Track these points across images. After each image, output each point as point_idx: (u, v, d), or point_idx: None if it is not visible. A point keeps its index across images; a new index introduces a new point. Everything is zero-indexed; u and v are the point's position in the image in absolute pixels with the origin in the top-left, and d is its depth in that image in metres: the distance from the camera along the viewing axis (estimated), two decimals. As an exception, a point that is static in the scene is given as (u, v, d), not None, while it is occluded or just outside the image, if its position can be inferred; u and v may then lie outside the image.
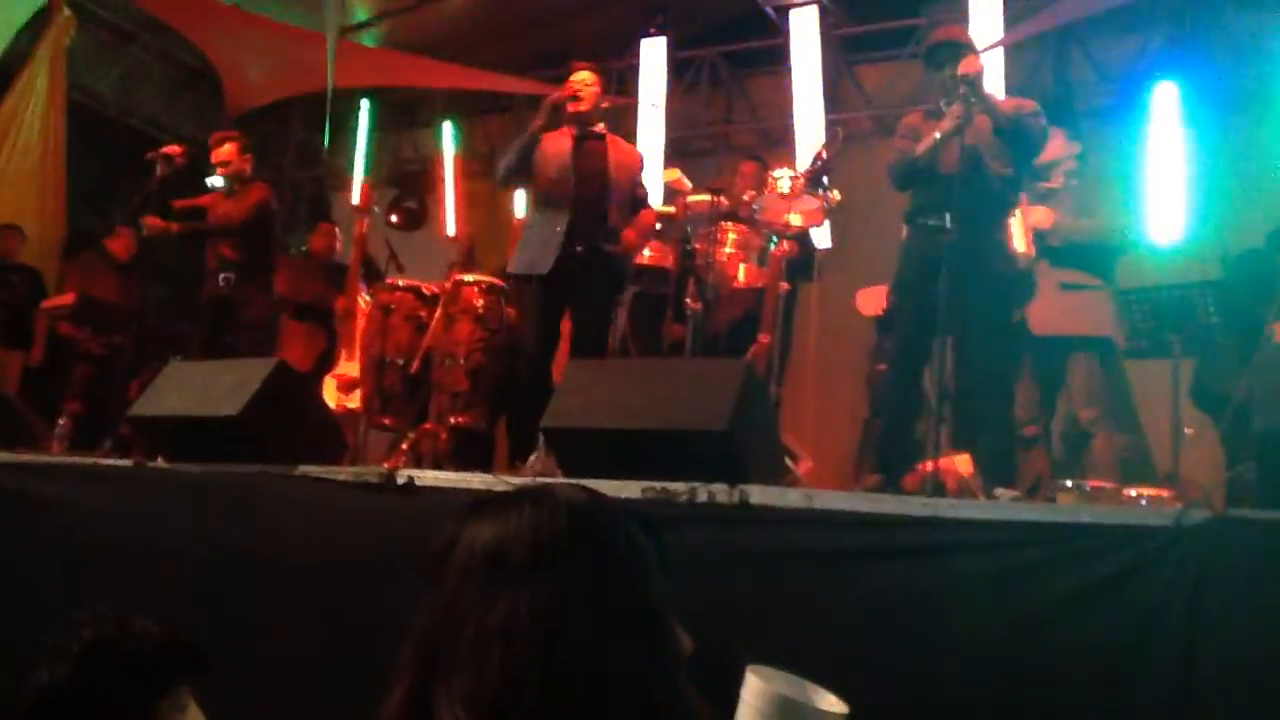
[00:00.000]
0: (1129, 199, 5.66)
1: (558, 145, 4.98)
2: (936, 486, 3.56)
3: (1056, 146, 4.78)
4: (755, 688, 1.41)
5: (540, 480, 1.18)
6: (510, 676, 1.11)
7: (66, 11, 8.77)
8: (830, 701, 1.49)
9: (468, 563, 1.18)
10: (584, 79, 5.04)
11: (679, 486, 3.08)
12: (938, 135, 4.15)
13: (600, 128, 5.09)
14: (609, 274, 4.97)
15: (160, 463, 4.24)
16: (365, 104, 10.02)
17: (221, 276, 6.05)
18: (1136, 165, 6.48)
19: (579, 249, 4.79)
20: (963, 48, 4.29)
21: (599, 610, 1.15)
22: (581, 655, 1.12)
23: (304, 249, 8.11)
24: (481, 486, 3.52)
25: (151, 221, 5.95)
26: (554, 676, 1.11)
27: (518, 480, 3.43)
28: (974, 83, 4.10)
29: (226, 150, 6.18)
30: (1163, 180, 6.70)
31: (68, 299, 7.28)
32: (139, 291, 7.49)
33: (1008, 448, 4.20)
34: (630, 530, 1.24)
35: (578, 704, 1.11)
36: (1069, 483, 3.75)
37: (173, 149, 5.95)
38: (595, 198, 4.90)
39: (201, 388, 4.22)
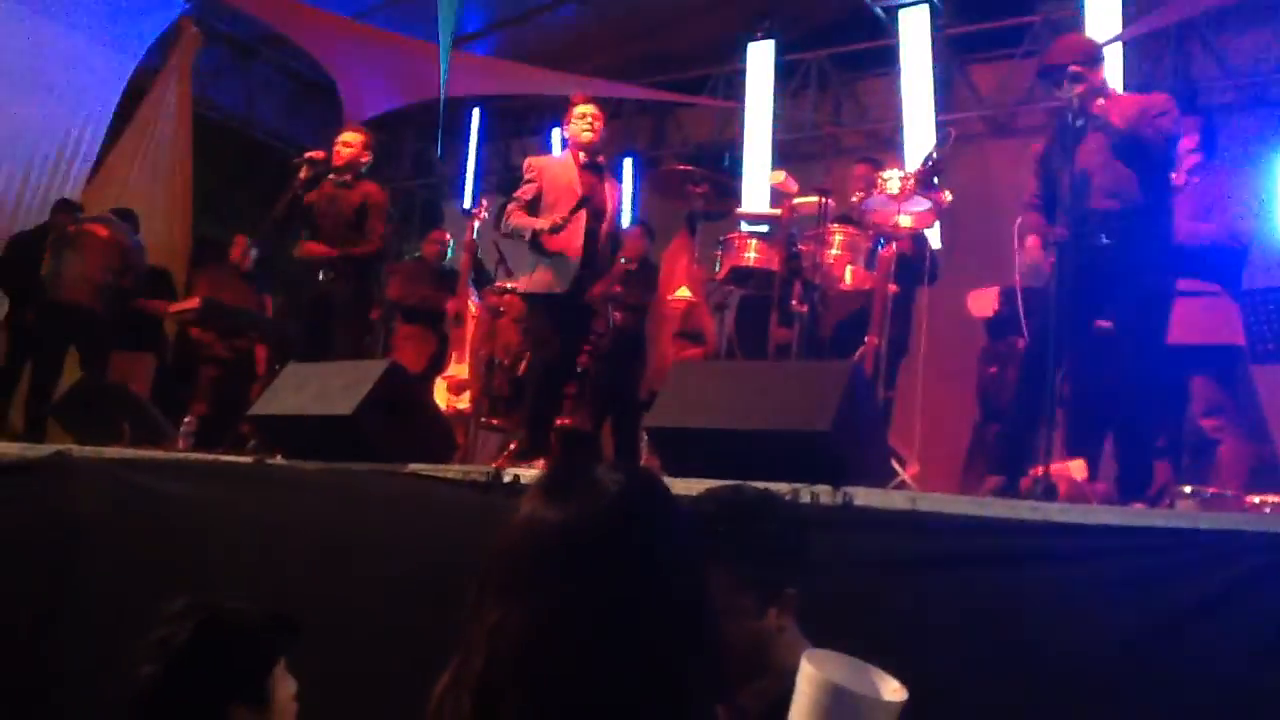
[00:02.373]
0: (1253, 199, 5.43)
1: (564, 177, 5.13)
2: (1048, 491, 3.47)
3: (1188, 143, 4.63)
4: (809, 674, 1.38)
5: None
6: (530, 667, 1.12)
7: (194, 28, 9.13)
8: (891, 689, 1.45)
9: (506, 548, 1.20)
10: (590, 111, 5.22)
11: (782, 487, 3.06)
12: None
13: (600, 159, 5.29)
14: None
15: (278, 459, 4.37)
16: (476, 113, 10.20)
17: (321, 272, 5.93)
18: (1263, 164, 6.23)
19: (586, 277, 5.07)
20: (1069, 73, 4.12)
21: (631, 606, 1.14)
22: (609, 649, 1.12)
23: (416, 254, 8.29)
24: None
25: (312, 248, 5.91)
26: (580, 667, 1.11)
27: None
28: (1083, 106, 3.97)
29: (351, 138, 6.07)
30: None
31: (193, 303, 7.55)
32: (257, 297, 7.74)
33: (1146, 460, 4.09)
34: (677, 528, 1.23)
35: (603, 696, 1.10)
36: (1188, 489, 3.62)
37: (316, 153, 5.99)
38: (595, 229, 5.11)
39: (317, 388, 4.34)
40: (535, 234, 5.01)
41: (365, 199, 5.94)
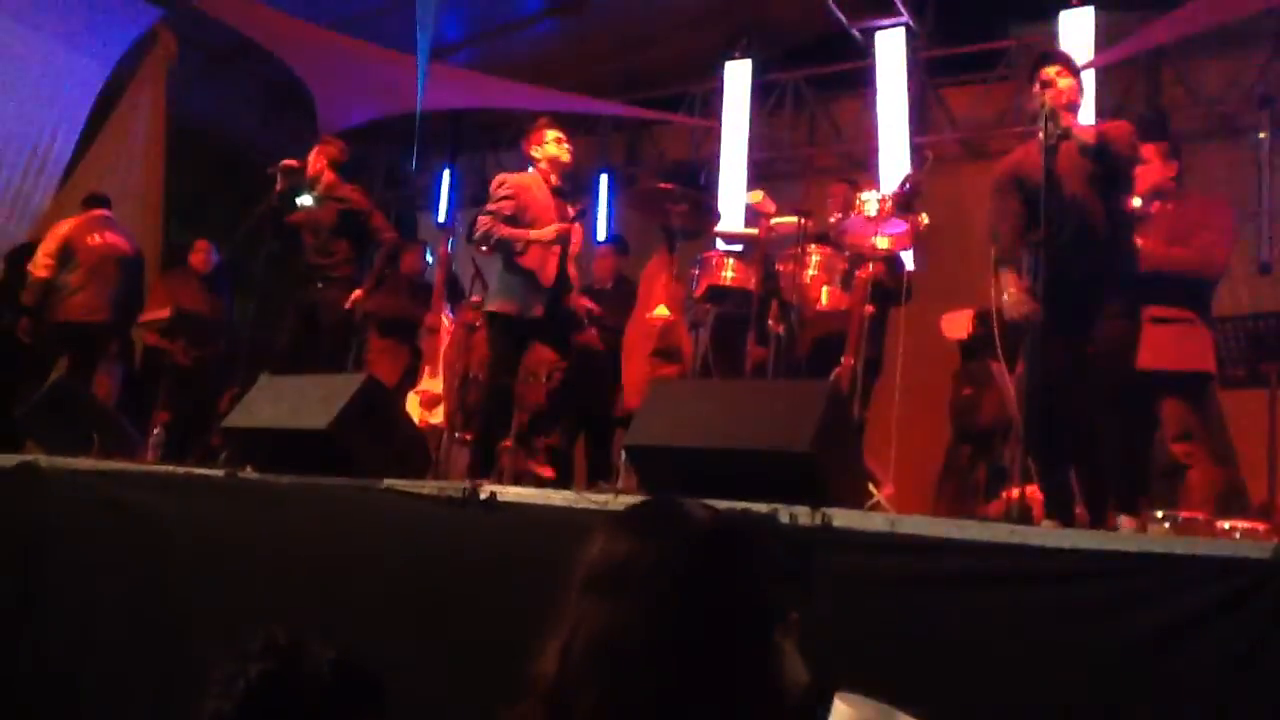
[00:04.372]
0: (1225, 226, 5.49)
1: (542, 197, 5.11)
2: (1023, 514, 3.49)
3: (1154, 170, 4.67)
4: (843, 715, 1.39)
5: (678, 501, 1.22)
6: (611, 688, 1.12)
7: (168, 34, 9.07)
8: None
9: (594, 570, 1.21)
10: (562, 134, 5.23)
11: (760, 508, 3.07)
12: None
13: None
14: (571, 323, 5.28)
15: (250, 473, 4.34)
16: (452, 125, 10.19)
17: (313, 282, 6.09)
18: (1233, 189, 6.32)
19: (560, 296, 5.05)
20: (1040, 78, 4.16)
21: (708, 634, 1.16)
22: (684, 676, 1.13)
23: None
24: (561, 503, 3.54)
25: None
26: (656, 693, 1.12)
27: (599, 497, 3.45)
28: (1054, 113, 4.00)
29: (313, 156, 6.21)
30: (1263, 204, 6.54)
31: (164, 312, 7.49)
32: (222, 304, 7.70)
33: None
34: (760, 564, 1.26)
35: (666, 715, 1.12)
36: (1160, 514, 3.64)
37: (290, 162, 6.02)
38: (565, 254, 5.10)
39: (292, 401, 4.31)
40: (525, 245, 4.96)
41: (341, 202, 6.11)
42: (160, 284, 7.97)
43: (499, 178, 5.27)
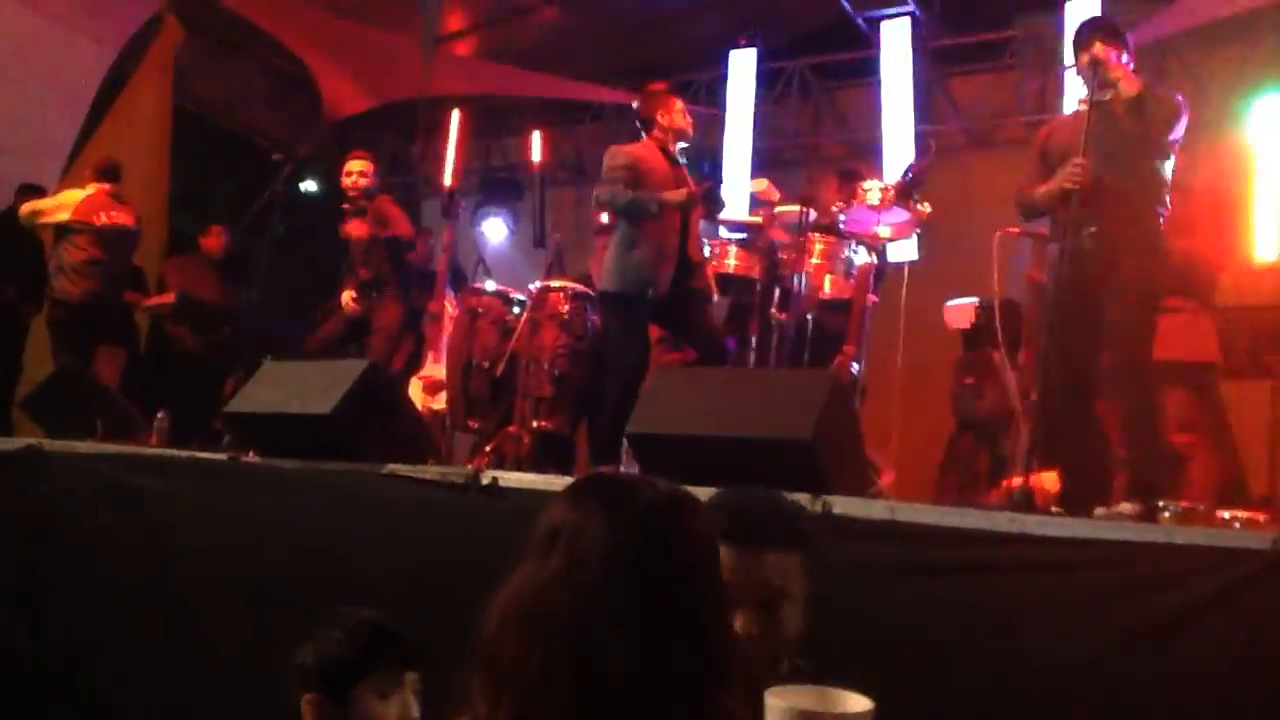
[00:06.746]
0: (1229, 215, 5.50)
1: (661, 167, 4.91)
2: (1024, 502, 3.50)
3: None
4: (774, 708, 1.39)
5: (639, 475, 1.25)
6: (529, 643, 1.17)
7: (174, 20, 9.06)
8: (855, 701, 1.47)
9: (531, 540, 1.26)
10: (683, 106, 5.06)
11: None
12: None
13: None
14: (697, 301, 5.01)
15: (252, 458, 4.35)
16: (455, 112, 10.16)
17: (355, 299, 6.21)
18: (1237, 181, 6.30)
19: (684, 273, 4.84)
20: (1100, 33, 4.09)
21: (647, 609, 1.19)
22: (620, 650, 1.16)
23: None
24: (563, 489, 3.54)
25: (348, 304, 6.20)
26: (586, 663, 1.15)
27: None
28: (1103, 65, 3.92)
29: (362, 166, 6.32)
30: (1267, 195, 6.51)
31: (169, 298, 7.50)
32: (235, 291, 7.70)
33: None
34: (708, 542, 1.29)
35: (610, 694, 1.15)
36: (1160, 503, 3.65)
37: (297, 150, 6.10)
38: (689, 224, 4.90)
39: (295, 386, 4.32)
40: (659, 207, 4.70)
41: (384, 213, 6.27)
42: (171, 270, 7.97)
43: (611, 150, 5.02)
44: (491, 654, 1.21)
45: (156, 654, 4.07)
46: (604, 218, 5.53)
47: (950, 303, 6.11)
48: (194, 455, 4.58)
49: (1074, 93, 4.62)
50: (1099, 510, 3.45)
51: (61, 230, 6.71)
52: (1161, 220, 3.94)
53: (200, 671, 3.92)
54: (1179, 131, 3.97)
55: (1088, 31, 4.09)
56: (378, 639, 2.31)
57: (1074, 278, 3.86)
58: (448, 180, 9.87)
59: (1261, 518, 3.52)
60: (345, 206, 6.31)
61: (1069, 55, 6.39)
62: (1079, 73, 4.10)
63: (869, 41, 8.25)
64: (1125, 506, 3.45)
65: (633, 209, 4.76)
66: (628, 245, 4.80)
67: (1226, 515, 3.65)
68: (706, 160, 8.87)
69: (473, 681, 1.23)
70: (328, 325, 6.35)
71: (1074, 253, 3.85)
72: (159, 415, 5.43)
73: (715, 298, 5.29)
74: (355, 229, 6.27)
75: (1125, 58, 4.01)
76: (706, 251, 5.19)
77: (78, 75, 8.73)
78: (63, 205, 6.77)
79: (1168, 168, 3.99)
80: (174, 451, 4.77)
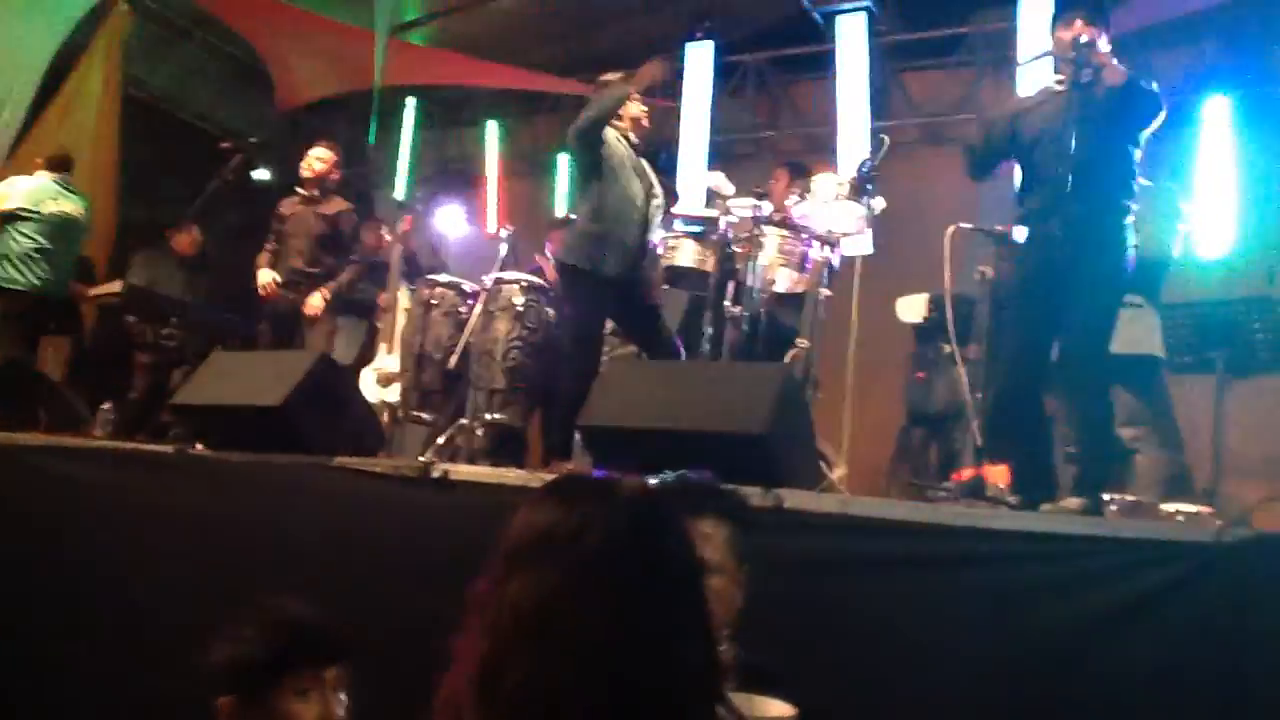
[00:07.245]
0: (1176, 213, 5.56)
1: (625, 153, 4.94)
2: (975, 495, 3.53)
3: None
4: None
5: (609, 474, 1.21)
6: (540, 659, 1.12)
7: (123, 5, 8.89)
8: (776, 708, 1.47)
9: (517, 543, 1.19)
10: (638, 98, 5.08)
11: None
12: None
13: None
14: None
15: (200, 450, 4.29)
16: (411, 102, 10.08)
17: (292, 288, 6.10)
18: (1183, 179, 6.39)
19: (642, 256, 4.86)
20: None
21: (661, 611, 1.16)
22: (607, 654, 1.12)
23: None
24: (516, 482, 3.53)
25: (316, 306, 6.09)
26: (581, 664, 1.11)
27: (553, 477, 3.44)
28: (1089, 46, 3.78)
29: (324, 154, 6.28)
30: (1212, 194, 6.62)
31: (114, 286, 7.37)
32: (203, 286, 7.59)
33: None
34: (684, 543, 1.25)
35: (597, 700, 1.11)
36: (1107, 497, 3.70)
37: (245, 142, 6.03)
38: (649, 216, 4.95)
39: (244, 378, 4.27)
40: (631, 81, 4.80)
41: (339, 216, 6.26)
42: (135, 263, 7.80)
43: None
44: (488, 678, 1.13)
45: (100, 650, 4.01)
46: (559, 213, 5.51)
47: (903, 298, 6.14)
48: (139, 447, 4.52)
49: (1027, 89, 4.60)
50: (1046, 505, 3.47)
51: (7, 218, 6.57)
52: (1130, 214, 3.89)
53: (145, 667, 3.86)
54: (1155, 126, 3.95)
55: (1071, 7, 3.98)
56: (293, 635, 2.16)
57: (1041, 266, 3.85)
58: (403, 169, 9.83)
59: (1206, 511, 3.57)
60: (297, 190, 6.24)
61: (1023, 52, 6.50)
62: (1055, 49, 4.00)
63: (825, 36, 8.27)
64: (1073, 501, 3.46)
65: (610, 101, 4.86)
66: (590, 218, 4.83)
67: (1172, 509, 3.71)
68: (663, 152, 8.87)
69: (456, 714, 1.16)
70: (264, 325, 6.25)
71: (1043, 240, 3.84)
72: (104, 406, 5.35)
73: (665, 286, 5.31)
74: (301, 215, 6.19)
75: (1107, 43, 3.93)
76: (660, 249, 5.19)
77: (22, 60, 8.53)
78: (9, 194, 6.63)
79: (1137, 161, 3.97)
80: (116, 443, 4.69)
